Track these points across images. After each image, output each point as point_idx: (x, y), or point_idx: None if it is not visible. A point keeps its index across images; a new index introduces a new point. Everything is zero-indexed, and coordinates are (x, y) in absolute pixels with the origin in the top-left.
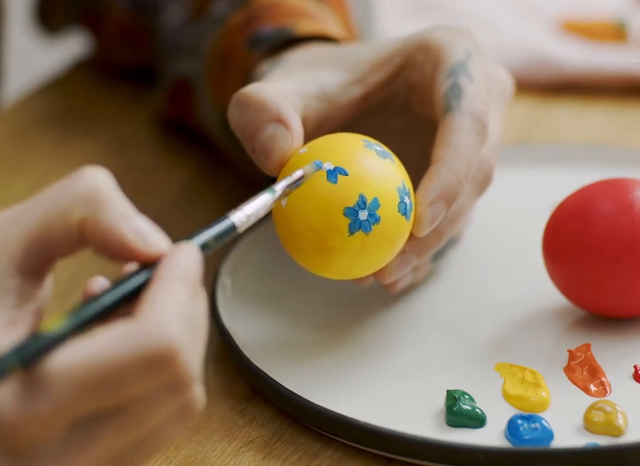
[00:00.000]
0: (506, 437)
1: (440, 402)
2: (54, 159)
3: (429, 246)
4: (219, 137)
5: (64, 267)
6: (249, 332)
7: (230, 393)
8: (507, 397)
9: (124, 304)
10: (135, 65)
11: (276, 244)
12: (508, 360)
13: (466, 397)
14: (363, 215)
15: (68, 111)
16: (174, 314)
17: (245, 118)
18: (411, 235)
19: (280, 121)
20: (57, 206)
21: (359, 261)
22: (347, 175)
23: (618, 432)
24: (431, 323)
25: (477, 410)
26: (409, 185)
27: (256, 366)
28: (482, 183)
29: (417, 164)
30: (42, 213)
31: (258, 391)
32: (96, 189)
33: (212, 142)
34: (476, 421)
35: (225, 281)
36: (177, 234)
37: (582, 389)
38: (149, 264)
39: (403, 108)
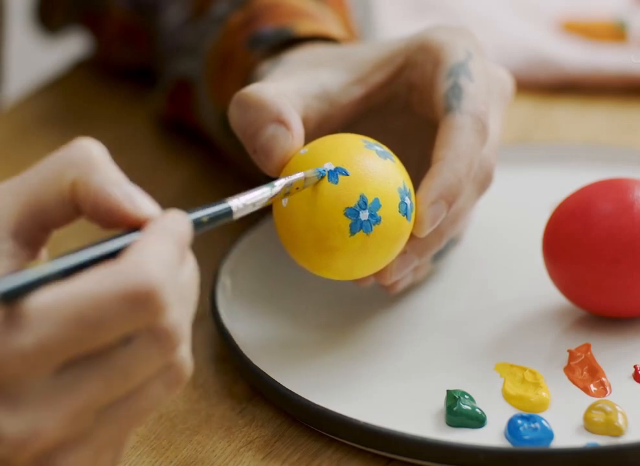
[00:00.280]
0: (506, 437)
1: (440, 402)
2: None
3: (430, 246)
4: (219, 137)
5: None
6: (249, 332)
7: (230, 393)
8: (507, 397)
9: (110, 258)
10: (135, 65)
11: (276, 244)
12: (508, 360)
13: (466, 397)
14: (364, 215)
15: (68, 111)
16: (156, 258)
17: (246, 118)
18: (412, 236)
19: (280, 121)
20: (50, 171)
21: (360, 261)
22: (348, 175)
23: (618, 432)
24: (431, 323)
25: (477, 410)
26: (409, 185)
27: (256, 366)
28: (483, 183)
29: (418, 164)
30: (36, 180)
31: (258, 391)
32: (90, 155)
33: (212, 142)
34: (476, 421)
35: (225, 281)
36: None
37: (582, 389)
38: (139, 228)
39: (404, 108)
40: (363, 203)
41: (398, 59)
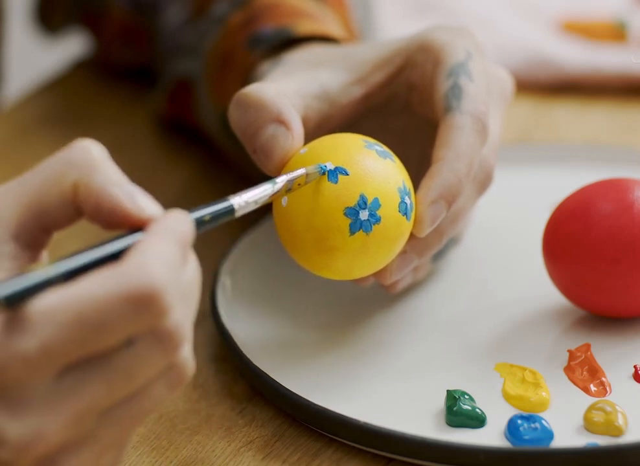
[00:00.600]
0: (506, 437)
1: (440, 402)
2: None
3: (430, 246)
4: (219, 137)
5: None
6: (249, 332)
7: (230, 393)
8: (507, 397)
9: (113, 260)
10: (135, 65)
11: (276, 244)
12: (508, 360)
13: (466, 397)
14: (364, 215)
15: (68, 111)
16: (159, 260)
17: (246, 118)
18: (412, 235)
19: (280, 121)
20: (51, 172)
21: (360, 261)
22: (348, 175)
23: (618, 432)
24: (431, 323)
25: (477, 410)
26: (409, 185)
27: (256, 366)
28: (483, 183)
29: (417, 164)
30: (37, 182)
31: (258, 391)
32: (90, 156)
33: (212, 142)
34: (476, 421)
35: (225, 281)
36: None
37: (582, 389)
38: (141, 228)
39: (404, 108)
40: (362, 203)
41: (397, 59)
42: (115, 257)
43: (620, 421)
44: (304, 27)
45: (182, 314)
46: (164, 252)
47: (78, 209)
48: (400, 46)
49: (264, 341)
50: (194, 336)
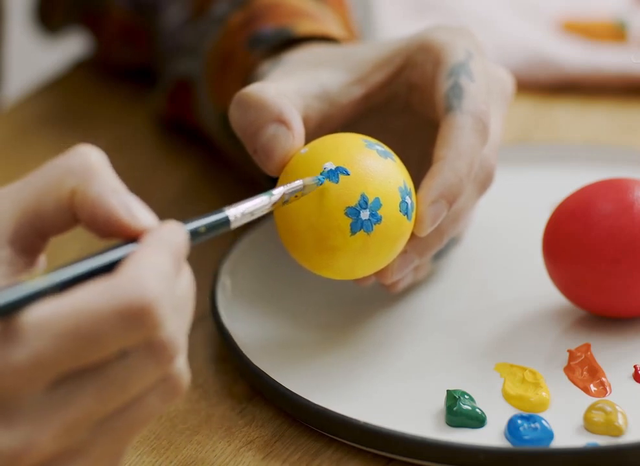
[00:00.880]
0: (506, 437)
1: (440, 402)
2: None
3: (431, 246)
4: (219, 137)
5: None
6: (249, 332)
7: (230, 393)
8: (507, 397)
9: (107, 271)
10: (135, 65)
11: (276, 244)
12: (508, 360)
13: (466, 397)
14: (365, 214)
15: (68, 111)
16: (153, 272)
17: (246, 118)
18: (412, 235)
19: (281, 121)
20: (49, 178)
21: (361, 260)
22: (348, 174)
23: (618, 432)
24: (431, 323)
25: (477, 410)
26: (410, 185)
27: (256, 366)
28: (484, 183)
29: (418, 164)
30: (35, 188)
31: (258, 391)
32: (89, 163)
33: (212, 142)
34: (476, 421)
35: (225, 281)
36: None
37: (582, 389)
38: (135, 239)
39: (404, 108)
40: (363, 202)
41: (398, 59)
42: (109, 267)
43: (620, 421)
44: (304, 27)
45: (176, 326)
46: (158, 263)
47: (75, 216)
48: (400, 46)
49: (264, 341)
50: (194, 336)
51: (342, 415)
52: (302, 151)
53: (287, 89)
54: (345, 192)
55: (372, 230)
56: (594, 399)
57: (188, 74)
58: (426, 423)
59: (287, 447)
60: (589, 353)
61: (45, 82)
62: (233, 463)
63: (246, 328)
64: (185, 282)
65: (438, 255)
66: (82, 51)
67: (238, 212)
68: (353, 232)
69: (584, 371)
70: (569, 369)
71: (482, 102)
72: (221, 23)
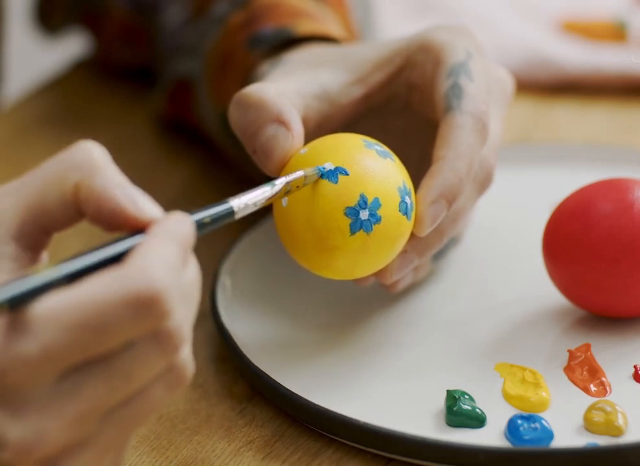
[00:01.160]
0: (506, 437)
1: (440, 402)
2: None
3: (430, 245)
4: (219, 137)
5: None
6: (249, 332)
7: (230, 393)
8: (507, 397)
9: (114, 262)
10: (135, 65)
11: (276, 244)
12: (508, 360)
13: (466, 397)
14: (364, 214)
15: (68, 111)
16: (160, 262)
17: (246, 118)
18: (412, 235)
19: (281, 121)
20: (52, 174)
21: (361, 260)
22: (348, 174)
23: (618, 432)
24: (431, 323)
25: (477, 410)
26: (409, 185)
27: (256, 366)
28: (483, 183)
29: (418, 164)
30: (38, 183)
31: (258, 391)
32: (92, 158)
33: (212, 142)
34: (476, 421)
35: (225, 281)
36: None
37: (582, 389)
38: (142, 231)
39: (404, 108)
40: (363, 203)
41: (398, 59)
42: (117, 259)
43: (620, 421)
44: (304, 27)
45: (182, 315)
46: (165, 254)
47: (79, 210)
48: (400, 46)
49: (264, 341)
50: (194, 336)
51: (343, 415)
52: (302, 151)
53: (287, 89)
54: (344, 192)
55: (372, 230)
56: (594, 399)
57: (188, 74)
58: (426, 423)
59: (287, 447)
60: (589, 353)
61: (45, 82)
62: (233, 463)
63: (246, 328)
64: (192, 273)
65: (438, 255)
66: (82, 51)
67: (242, 203)
68: (352, 232)
69: (584, 371)
70: (569, 369)
71: (482, 102)
72: (221, 23)
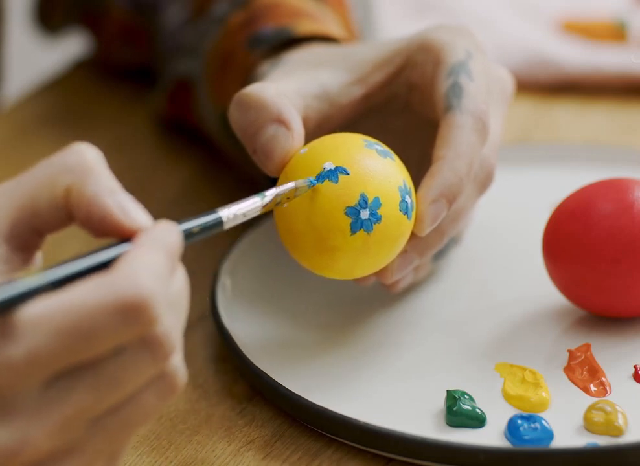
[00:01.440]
0: (506, 437)
1: (440, 402)
2: None
3: (431, 245)
4: (219, 137)
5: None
6: (249, 332)
7: (230, 393)
8: (507, 397)
9: (101, 269)
10: (135, 65)
11: (276, 244)
12: (508, 360)
13: (466, 397)
14: (365, 214)
15: (68, 111)
16: (147, 270)
17: (246, 119)
18: (412, 235)
19: (281, 121)
20: (44, 176)
21: (361, 260)
22: (348, 174)
23: (618, 432)
24: (431, 323)
25: (477, 410)
26: (410, 184)
27: (256, 366)
28: (484, 182)
29: (418, 164)
30: (30, 185)
31: (258, 391)
32: (85, 161)
33: (212, 142)
34: (476, 421)
35: (225, 281)
36: None
37: (582, 389)
38: (130, 238)
39: (404, 108)
40: (363, 202)
41: (398, 59)
42: (104, 266)
43: (620, 421)
44: (304, 27)
45: (171, 323)
46: (153, 262)
47: (70, 214)
48: (400, 46)
49: (264, 341)
50: (194, 336)
51: (343, 415)
52: (302, 151)
53: (287, 89)
54: (345, 192)
55: (372, 229)
56: (594, 399)
57: (188, 74)
58: (426, 423)
59: (287, 447)
60: (589, 353)
61: (45, 82)
62: (233, 463)
63: (246, 328)
64: (180, 282)
65: (438, 255)
66: (82, 51)
67: (231, 213)
68: (353, 231)
69: (584, 371)
70: (569, 369)
71: (482, 102)
72: (221, 23)
